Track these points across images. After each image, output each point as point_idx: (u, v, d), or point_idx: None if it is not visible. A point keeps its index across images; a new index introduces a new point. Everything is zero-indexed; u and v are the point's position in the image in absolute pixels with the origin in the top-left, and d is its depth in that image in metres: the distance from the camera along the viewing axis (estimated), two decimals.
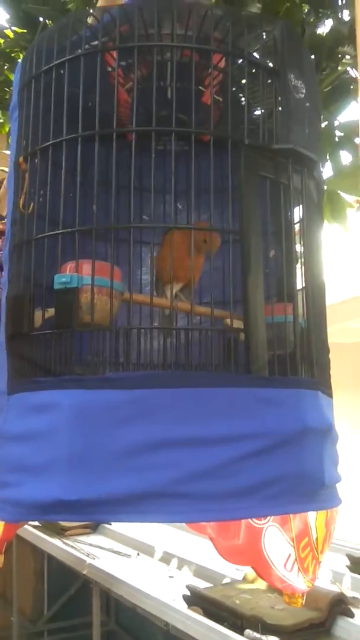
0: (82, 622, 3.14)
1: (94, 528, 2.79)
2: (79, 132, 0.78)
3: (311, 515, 0.86)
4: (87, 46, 0.85)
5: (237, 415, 0.70)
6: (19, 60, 0.93)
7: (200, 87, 0.94)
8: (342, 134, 1.87)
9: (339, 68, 1.92)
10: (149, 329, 0.92)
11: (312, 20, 1.84)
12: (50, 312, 0.79)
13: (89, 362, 0.79)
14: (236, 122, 0.81)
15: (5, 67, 2.57)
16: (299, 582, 0.84)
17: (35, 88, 0.86)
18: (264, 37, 0.80)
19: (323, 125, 1.84)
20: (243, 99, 0.83)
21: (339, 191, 1.86)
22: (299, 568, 0.83)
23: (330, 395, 0.82)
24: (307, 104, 0.83)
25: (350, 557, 2.20)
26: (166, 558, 2.35)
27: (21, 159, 0.85)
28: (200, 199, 0.87)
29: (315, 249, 0.84)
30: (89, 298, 0.73)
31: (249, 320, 0.72)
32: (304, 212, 0.80)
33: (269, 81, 0.80)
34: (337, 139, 1.85)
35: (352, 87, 1.88)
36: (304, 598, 0.88)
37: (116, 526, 2.81)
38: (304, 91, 0.81)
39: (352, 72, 1.91)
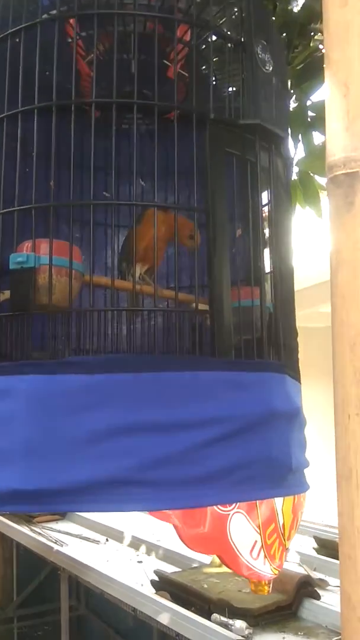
0: (52, 608, 3.13)
1: (62, 515, 2.77)
2: (35, 104, 0.73)
3: (278, 502, 0.85)
4: (45, 15, 0.81)
5: (201, 399, 0.68)
6: None
7: (165, 61, 0.91)
8: (314, 114, 1.83)
9: (311, 45, 1.87)
10: (110, 312, 0.89)
11: None
12: (6, 294, 0.75)
13: (47, 346, 0.76)
14: (202, 98, 0.77)
15: None
16: (266, 570, 0.83)
17: None
18: (230, 8, 0.77)
19: (295, 105, 1.79)
20: (209, 73, 0.79)
21: (311, 173, 1.82)
22: (265, 555, 0.82)
23: (298, 379, 0.81)
24: (275, 79, 0.80)
25: (317, 539, 2.23)
26: (135, 543, 2.34)
27: None
28: (167, 181, 0.84)
29: (283, 231, 0.82)
30: (47, 279, 0.70)
31: (214, 301, 0.69)
32: (271, 191, 0.78)
33: (236, 54, 0.77)
34: (309, 119, 1.81)
35: (324, 65, 1.84)
36: (271, 585, 0.87)
37: (86, 512, 2.80)
38: (271, 65, 0.78)
39: (324, 51, 1.87)
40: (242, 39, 0.77)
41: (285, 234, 0.83)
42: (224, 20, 0.78)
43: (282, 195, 0.81)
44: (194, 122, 0.73)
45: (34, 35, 0.79)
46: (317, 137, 1.81)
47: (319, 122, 1.80)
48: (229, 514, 0.79)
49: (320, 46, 1.86)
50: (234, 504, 0.80)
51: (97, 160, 0.76)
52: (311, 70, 1.77)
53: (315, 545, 2.19)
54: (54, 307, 0.71)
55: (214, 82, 0.78)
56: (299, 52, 1.78)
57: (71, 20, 0.82)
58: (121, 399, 0.66)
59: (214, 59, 0.80)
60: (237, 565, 0.82)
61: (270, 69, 0.80)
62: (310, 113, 1.77)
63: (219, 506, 0.81)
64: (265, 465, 0.70)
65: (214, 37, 0.79)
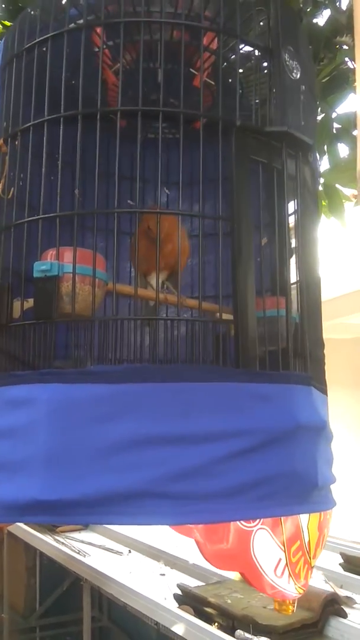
0: (74, 618, 3.12)
1: (85, 525, 2.76)
2: (62, 112, 0.73)
3: (303, 518, 0.82)
4: (72, 24, 0.81)
5: (224, 411, 0.67)
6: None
7: (192, 70, 0.90)
8: (339, 126, 1.82)
9: (337, 58, 1.87)
10: (133, 321, 0.88)
11: (309, 9, 1.79)
12: (30, 302, 0.75)
13: (70, 355, 0.75)
14: (228, 106, 0.77)
15: None
16: (290, 589, 0.80)
17: (17, 67, 0.82)
18: (258, 16, 0.76)
19: (320, 117, 1.79)
20: (235, 80, 0.78)
21: (336, 185, 1.82)
22: (289, 574, 0.79)
23: (324, 391, 0.79)
24: (302, 86, 0.79)
25: (344, 555, 2.17)
26: (158, 555, 2.32)
27: (1, 141, 0.81)
28: (193, 189, 0.83)
29: (310, 240, 0.80)
30: (70, 287, 0.70)
31: (238, 310, 0.68)
32: (298, 199, 0.76)
33: (263, 62, 0.76)
34: (334, 131, 1.81)
35: (350, 78, 1.84)
36: (295, 605, 0.84)
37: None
38: (299, 72, 0.77)
39: (351, 64, 1.86)
40: (270, 46, 0.76)
41: (312, 243, 0.81)
42: (251, 28, 0.77)
43: (309, 204, 0.80)
44: (220, 130, 0.72)
45: (61, 44, 0.79)
46: (342, 149, 1.79)
47: (344, 134, 1.79)
48: (252, 530, 0.77)
49: (346, 59, 1.85)
50: (257, 520, 0.78)
51: (123, 170, 0.76)
52: (337, 82, 1.77)
53: (342, 562, 2.14)
54: (77, 316, 0.70)
55: (241, 91, 0.77)
56: (325, 65, 1.78)
57: (98, 30, 0.82)
58: (143, 410, 0.65)
59: (240, 70, 0.79)
60: (261, 584, 0.79)
61: (298, 76, 0.79)
62: (335, 125, 1.76)
63: (243, 522, 0.78)
64: (290, 480, 0.68)
65: (241, 45, 0.78)
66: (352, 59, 1.81)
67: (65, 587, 3.21)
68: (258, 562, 0.77)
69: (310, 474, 0.70)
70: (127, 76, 0.89)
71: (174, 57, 0.89)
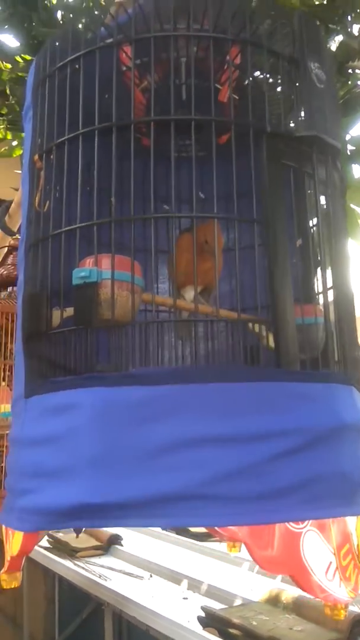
0: None
1: (105, 549, 2.73)
2: (96, 125, 0.75)
3: (350, 521, 0.81)
4: (102, 43, 0.84)
5: (268, 411, 0.67)
6: (34, 59, 0.92)
7: (217, 85, 0.93)
8: (353, 148, 1.86)
9: (349, 83, 1.91)
10: (170, 331, 0.89)
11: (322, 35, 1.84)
12: (69, 311, 0.76)
13: (111, 360, 0.76)
14: (257, 114, 0.78)
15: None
16: (342, 593, 0.79)
17: (50, 85, 0.85)
18: (282, 28, 0.78)
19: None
20: (263, 90, 0.81)
21: (351, 205, 1.85)
22: (340, 577, 0.78)
23: None
24: (328, 95, 0.81)
25: None
26: (179, 579, 2.28)
27: (36, 156, 0.83)
28: (227, 204, 0.84)
29: (341, 244, 0.81)
30: (109, 293, 0.71)
31: (277, 311, 0.68)
32: (329, 204, 0.77)
33: (289, 72, 0.78)
34: (348, 152, 1.85)
35: None
36: (347, 610, 0.82)
37: (128, 547, 2.75)
38: (324, 82, 0.79)
39: None
40: (295, 56, 0.78)
41: (343, 247, 0.82)
42: (276, 38, 0.80)
43: (338, 208, 0.81)
44: (251, 136, 0.73)
45: (91, 63, 0.82)
46: (356, 170, 1.82)
47: (358, 155, 1.82)
48: (301, 532, 0.76)
49: (358, 82, 1.89)
50: (306, 522, 0.77)
51: (156, 190, 0.77)
52: (350, 106, 1.81)
53: None
54: (116, 322, 0.71)
55: (267, 93, 0.79)
56: (338, 89, 1.82)
57: (126, 49, 0.85)
58: (186, 411, 0.65)
59: (268, 80, 0.81)
60: (312, 587, 0.77)
61: (323, 85, 0.81)
62: (349, 147, 1.80)
63: (292, 524, 0.77)
64: (337, 481, 0.67)
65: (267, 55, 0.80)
66: None
67: (85, 615, 3.15)
68: (309, 565, 0.76)
69: (357, 474, 0.70)
70: (153, 95, 0.91)
71: (198, 74, 0.91)
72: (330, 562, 0.78)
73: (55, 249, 0.77)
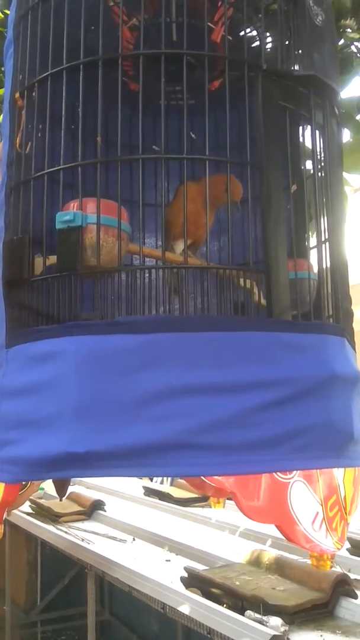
0: (76, 613, 3.09)
1: (88, 514, 2.74)
2: (81, 59, 0.71)
3: (338, 473, 0.80)
4: None
5: (258, 360, 0.65)
6: None
7: (209, 24, 0.88)
8: (343, 111, 1.81)
9: (341, 42, 1.86)
10: (156, 281, 0.86)
11: None
12: (52, 259, 0.72)
13: (96, 308, 0.73)
14: (252, 53, 0.74)
15: None
16: (328, 543, 0.78)
17: (32, 19, 0.80)
18: None
19: None
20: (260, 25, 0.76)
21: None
22: (327, 527, 0.77)
23: (354, 347, 0.77)
24: (326, 35, 0.77)
25: (351, 540, 2.16)
26: (162, 542, 2.30)
27: (17, 94, 0.78)
28: (217, 151, 0.80)
29: (337, 193, 0.78)
30: (95, 238, 0.67)
31: (269, 256, 0.66)
32: (327, 149, 0.74)
33: (287, 10, 0.74)
34: None
35: (354, 62, 1.82)
36: (334, 561, 0.82)
37: (111, 512, 2.76)
38: (323, 18, 0.75)
39: (354, 47, 1.85)
40: None
41: (339, 197, 0.79)
42: None
43: (335, 156, 0.78)
44: (246, 75, 0.69)
45: None
46: (345, 134, 1.78)
47: (347, 119, 1.78)
48: (289, 482, 0.75)
49: (350, 42, 1.84)
50: (294, 472, 0.76)
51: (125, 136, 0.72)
52: (341, 66, 1.75)
53: (350, 547, 2.13)
54: (102, 268, 0.68)
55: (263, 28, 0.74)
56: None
57: None
58: (174, 360, 0.63)
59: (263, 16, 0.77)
60: (298, 537, 0.77)
61: (322, 24, 0.77)
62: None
63: (279, 473, 0.76)
64: (326, 431, 0.66)
65: None
66: (355, 42, 1.80)
67: (67, 580, 3.18)
68: (295, 515, 0.75)
69: (346, 426, 0.69)
70: (143, 33, 0.86)
71: (190, 12, 0.86)
72: (317, 513, 0.77)
73: (37, 193, 0.73)
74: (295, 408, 0.65)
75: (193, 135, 0.78)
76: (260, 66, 0.70)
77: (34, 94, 0.76)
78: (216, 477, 0.77)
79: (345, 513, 0.80)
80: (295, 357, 0.66)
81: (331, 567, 0.81)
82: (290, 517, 0.75)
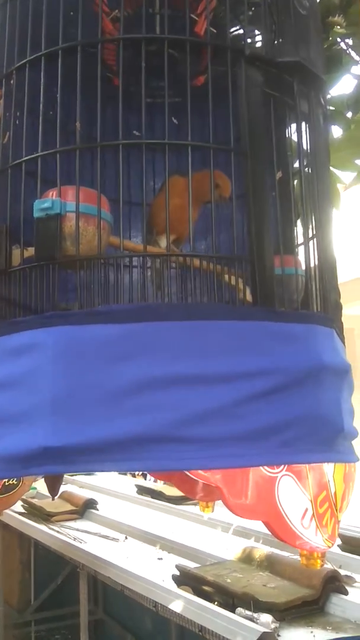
0: (70, 612, 3.07)
1: (80, 513, 2.72)
2: (60, 44, 0.69)
3: (328, 468, 0.78)
4: None
5: (244, 350, 0.63)
6: None
7: (193, 16, 0.86)
8: (333, 108, 1.80)
9: (329, 38, 1.84)
10: (138, 270, 0.84)
11: None
12: (30, 251, 0.70)
13: (75, 298, 0.71)
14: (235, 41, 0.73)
15: None
16: (318, 541, 0.76)
17: (11, 7, 0.78)
18: None
19: None
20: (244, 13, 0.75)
21: (330, 167, 1.79)
22: (317, 524, 0.75)
23: (343, 340, 0.75)
24: (311, 24, 0.76)
25: (341, 536, 2.16)
26: (155, 541, 2.29)
27: None
28: (203, 152, 0.78)
29: (324, 185, 0.76)
30: (74, 227, 0.65)
31: (256, 245, 0.64)
32: (312, 141, 0.72)
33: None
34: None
35: (343, 59, 1.81)
36: (324, 559, 0.80)
37: (103, 511, 2.75)
38: (307, 6, 0.73)
39: (343, 45, 1.83)
40: None
41: (326, 189, 0.78)
42: None
43: (321, 146, 0.76)
44: (229, 62, 0.68)
45: None
46: (335, 131, 1.77)
47: (337, 116, 1.77)
48: (277, 477, 0.73)
49: (339, 39, 1.82)
50: (282, 466, 0.74)
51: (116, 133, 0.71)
52: (330, 64, 1.74)
53: (340, 543, 2.13)
54: (81, 257, 0.66)
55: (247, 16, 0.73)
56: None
57: None
58: (157, 350, 0.61)
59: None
60: (287, 534, 0.75)
61: (306, 12, 0.76)
62: (329, 107, 1.73)
63: (267, 467, 0.74)
64: (315, 424, 0.64)
65: None
66: (345, 39, 1.78)
67: (60, 580, 3.17)
68: (284, 511, 0.73)
69: (336, 418, 0.67)
70: (124, 25, 0.85)
71: (172, 4, 0.85)
72: (307, 509, 0.76)
73: (15, 183, 0.71)
74: (284, 399, 0.63)
75: (175, 121, 0.76)
76: (243, 52, 0.68)
77: (12, 82, 0.74)
78: (202, 472, 0.75)
79: (336, 510, 0.79)
80: (283, 347, 0.64)
81: (322, 565, 0.79)
82: (278, 513, 0.73)
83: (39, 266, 0.67)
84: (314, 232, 0.73)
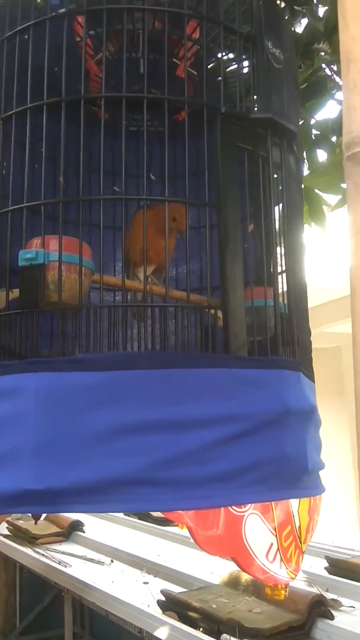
0: (55, 635, 3.05)
1: (66, 536, 2.71)
2: (45, 100, 0.72)
3: (293, 503, 0.81)
4: (54, 13, 0.81)
5: (214, 397, 0.66)
6: None
7: (174, 60, 0.90)
8: (318, 132, 1.84)
9: (315, 65, 1.89)
10: (120, 313, 0.87)
11: (287, 17, 1.82)
12: (15, 293, 0.73)
13: (56, 345, 0.74)
14: (212, 95, 0.76)
15: None
16: (282, 573, 0.79)
17: None
18: (240, 4, 0.76)
19: (299, 123, 1.81)
20: (219, 71, 0.79)
21: (316, 190, 1.83)
22: (281, 558, 0.78)
23: (312, 378, 0.78)
24: (286, 76, 0.80)
25: (328, 559, 2.17)
26: (141, 564, 2.29)
27: None
28: (175, 184, 0.82)
29: (296, 228, 0.80)
30: (56, 276, 0.68)
31: (226, 295, 0.67)
32: (284, 187, 0.76)
33: (246, 51, 0.77)
34: (313, 137, 1.83)
35: (328, 85, 1.86)
36: (287, 590, 0.82)
37: (90, 533, 2.74)
38: (282, 62, 0.77)
39: (328, 70, 1.88)
40: (253, 33, 0.76)
41: (298, 231, 0.81)
42: (234, 15, 0.78)
43: (294, 193, 0.80)
44: (205, 117, 0.71)
45: (42, 32, 0.79)
46: (320, 155, 1.81)
47: (323, 140, 1.81)
48: (244, 515, 0.75)
49: (323, 65, 1.88)
50: (249, 505, 0.77)
51: (105, 164, 0.75)
52: (315, 89, 1.79)
53: (327, 566, 2.14)
54: (64, 304, 0.69)
55: (225, 81, 0.77)
56: (303, 72, 1.80)
57: (80, 19, 0.82)
58: (132, 397, 0.64)
59: (224, 56, 0.79)
60: (252, 568, 0.78)
61: (281, 66, 0.80)
62: (314, 131, 1.78)
63: (234, 507, 0.77)
64: (281, 465, 0.68)
65: (223, 34, 0.78)
66: (329, 65, 1.83)
67: (46, 603, 3.14)
68: (250, 547, 0.76)
69: (301, 458, 0.70)
70: (109, 67, 0.88)
71: (156, 48, 0.89)
72: (272, 544, 0.78)
73: (1, 228, 0.74)
74: (251, 442, 0.66)
75: (153, 177, 0.80)
76: (219, 109, 0.72)
77: None
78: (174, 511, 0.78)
79: (300, 542, 0.81)
80: (251, 393, 0.68)
81: (285, 596, 0.82)
82: (244, 550, 0.76)
83: (22, 312, 0.70)
84: (285, 274, 0.77)
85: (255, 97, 0.75)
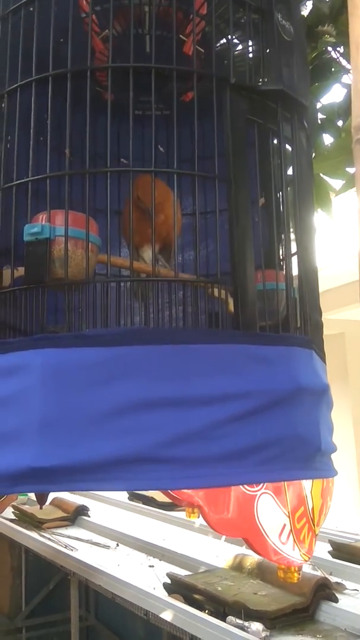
0: (61, 618, 3.07)
1: (72, 520, 2.73)
2: (50, 71, 0.71)
3: (306, 484, 0.80)
4: None
5: (224, 373, 0.65)
6: None
7: (181, 36, 0.88)
8: (324, 117, 1.81)
9: (320, 47, 1.86)
10: (126, 294, 0.86)
11: None
12: (20, 271, 0.72)
13: (63, 321, 0.73)
14: (221, 72, 0.75)
15: None
16: (295, 555, 0.79)
17: (2, 29, 0.79)
18: None
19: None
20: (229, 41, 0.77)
21: (321, 174, 1.80)
22: (294, 540, 0.78)
23: (323, 359, 0.77)
24: (296, 49, 0.78)
25: (332, 543, 2.17)
26: (146, 548, 2.30)
27: None
28: (182, 168, 0.80)
29: (306, 205, 0.78)
30: (63, 251, 0.67)
31: (236, 271, 0.66)
32: (294, 164, 0.74)
33: (256, 21, 0.75)
34: (319, 121, 1.80)
35: (333, 68, 1.83)
36: (300, 572, 0.82)
37: (95, 518, 2.76)
38: (292, 33, 0.76)
39: (334, 53, 1.85)
40: (262, 7, 0.74)
41: (308, 209, 0.80)
42: None
43: (304, 168, 0.78)
44: (214, 90, 0.70)
45: (48, 6, 0.77)
46: (326, 139, 1.78)
47: (328, 124, 1.78)
48: (256, 495, 0.75)
49: (329, 48, 1.85)
50: (260, 485, 0.76)
51: (110, 146, 0.73)
52: (320, 72, 1.75)
53: (331, 550, 2.14)
54: (70, 280, 0.68)
55: (233, 58, 0.75)
56: (308, 54, 1.77)
57: None
58: (140, 373, 0.63)
59: (233, 34, 0.77)
60: (265, 550, 0.77)
61: (291, 39, 0.78)
62: (320, 115, 1.75)
63: (246, 486, 0.76)
64: (293, 443, 0.66)
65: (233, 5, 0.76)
66: (335, 48, 1.80)
67: (52, 586, 3.17)
68: (262, 528, 0.75)
69: (314, 438, 0.69)
70: (115, 44, 0.87)
71: (162, 25, 0.87)
72: (285, 525, 0.78)
73: (5, 204, 0.73)
74: (262, 421, 0.65)
75: (161, 149, 0.78)
76: (229, 80, 0.70)
77: (3, 105, 0.76)
78: (184, 490, 0.77)
79: (313, 524, 0.81)
80: (262, 370, 0.66)
81: (298, 578, 0.81)
82: (257, 530, 0.75)
83: (28, 289, 0.69)
84: (295, 251, 0.75)
85: (264, 75, 0.73)
